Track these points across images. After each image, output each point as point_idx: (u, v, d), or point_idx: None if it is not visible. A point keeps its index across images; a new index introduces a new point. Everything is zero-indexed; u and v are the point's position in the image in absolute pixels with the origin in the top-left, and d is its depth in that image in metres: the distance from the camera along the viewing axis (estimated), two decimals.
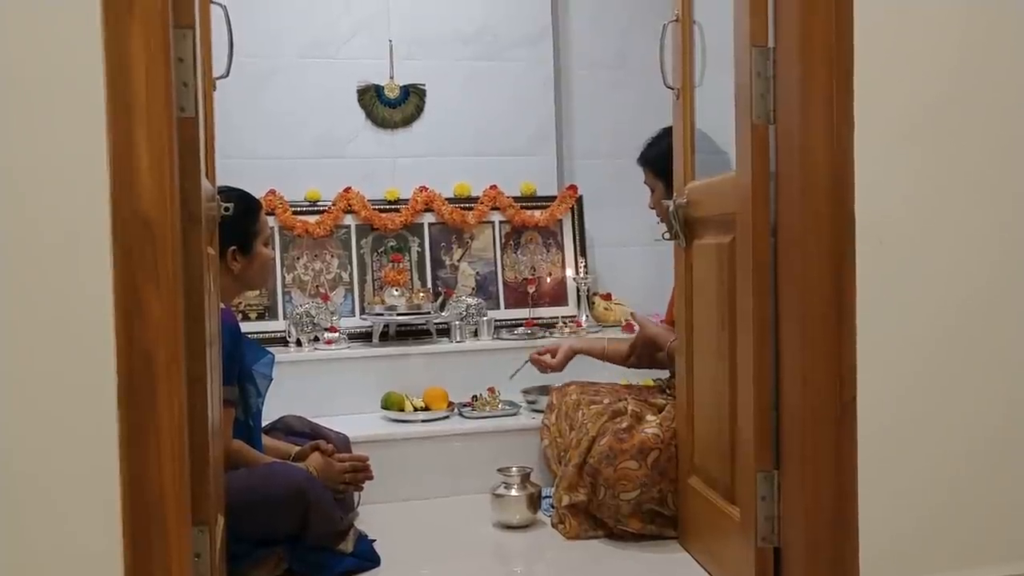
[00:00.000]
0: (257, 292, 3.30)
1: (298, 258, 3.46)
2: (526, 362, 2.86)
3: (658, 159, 2.49)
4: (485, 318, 3.38)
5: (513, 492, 2.46)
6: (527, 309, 3.57)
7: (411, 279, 3.49)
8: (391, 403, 2.97)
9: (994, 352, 1.67)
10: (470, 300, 3.43)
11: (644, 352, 2.62)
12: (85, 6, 1.26)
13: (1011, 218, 1.67)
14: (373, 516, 2.53)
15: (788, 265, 1.68)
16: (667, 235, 2.29)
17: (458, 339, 3.31)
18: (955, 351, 1.65)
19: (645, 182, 2.59)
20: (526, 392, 3.05)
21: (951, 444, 1.66)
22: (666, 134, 2.45)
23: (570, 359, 2.80)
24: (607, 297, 3.66)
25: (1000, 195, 1.66)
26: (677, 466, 2.26)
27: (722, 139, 2.17)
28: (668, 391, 2.50)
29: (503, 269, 3.65)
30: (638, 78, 3.71)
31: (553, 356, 2.79)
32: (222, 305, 2.03)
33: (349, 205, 3.49)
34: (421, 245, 3.57)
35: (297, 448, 2.35)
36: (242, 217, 2.16)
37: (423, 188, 3.56)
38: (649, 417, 2.35)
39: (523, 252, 3.68)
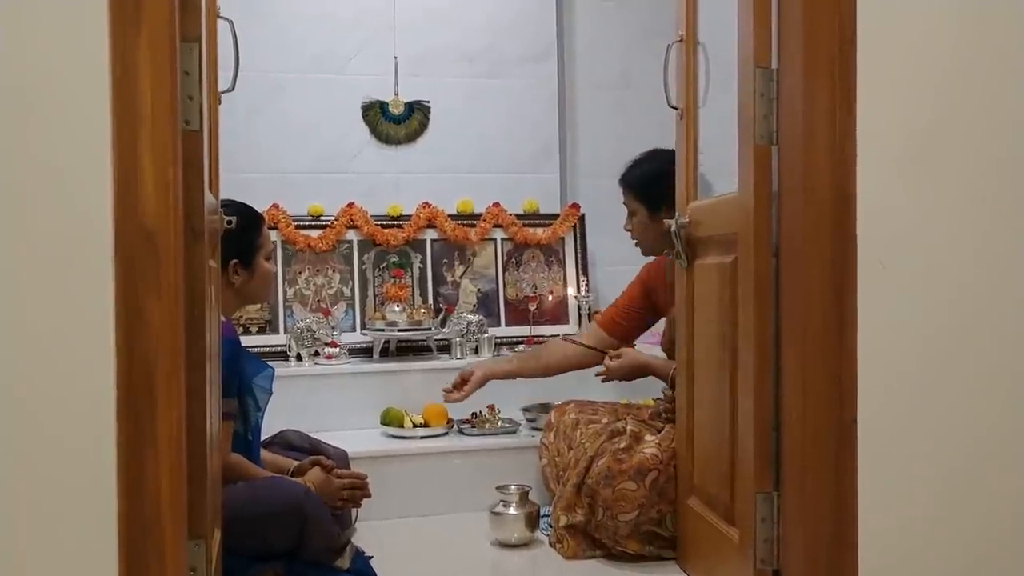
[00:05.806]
0: (258, 306, 3.30)
1: (300, 272, 3.46)
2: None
3: (640, 182, 2.53)
4: (486, 335, 3.38)
5: (511, 510, 2.45)
6: (528, 327, 3.57)
7: (412, 295, 3.49)
8: (390, 419, 2.96)
9: (996, 371, 1.66)
10: (471, 317, 3.43)
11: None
12: (92, 18, 1.26)
13: (1014, 239, 1.66)
14: (371, 532, 2.52)
15: (790, 285, 1.68)
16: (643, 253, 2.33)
17: (459, 356, 3.31)
18: (956, 370, 1.65)
19: (624, 203, 2.61)
20: (526, 410, 3.05)
21: (952, 464, 1.65)
22: (649, 157, 2.53)
23: (482, 386, 2.80)
24: None
25: (1003, 216, 1.66)
26: (676, 487, 2.25)
27: (708, 164, 2.20)
28: (665, 414, 2.46)
29: (504, 286, 3.64)
30: (642, 98, 3.71)
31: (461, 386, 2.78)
32: (223, 318, 2.03)
33: (352, 220, 3.50)
34: (423, 261, 3.58)
35: (296, 463, 2.34)
36: (245, 231, 2.17)
37: (426, 204, 3.57)
38: (648, 437, 2.34)
39: (525, 270, 3.68)
